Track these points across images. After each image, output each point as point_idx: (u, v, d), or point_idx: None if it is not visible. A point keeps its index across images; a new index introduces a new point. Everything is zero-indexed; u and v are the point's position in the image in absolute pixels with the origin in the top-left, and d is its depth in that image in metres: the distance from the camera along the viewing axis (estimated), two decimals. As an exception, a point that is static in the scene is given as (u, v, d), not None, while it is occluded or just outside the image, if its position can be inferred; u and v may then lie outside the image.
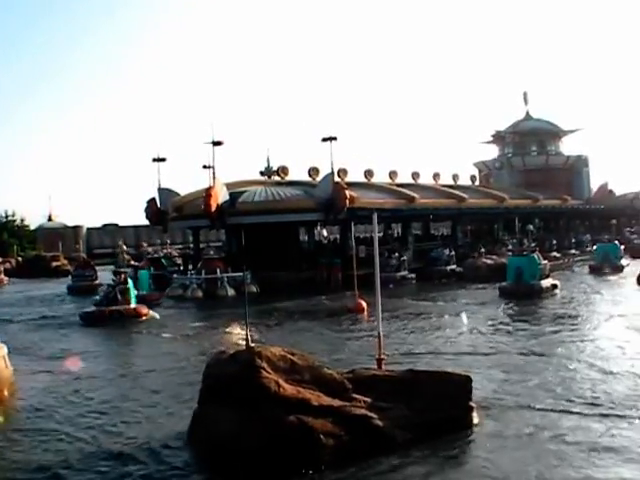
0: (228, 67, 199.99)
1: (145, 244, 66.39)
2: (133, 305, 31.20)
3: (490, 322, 26.56)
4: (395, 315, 28.45)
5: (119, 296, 30.84)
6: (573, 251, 63.83)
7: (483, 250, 48.06)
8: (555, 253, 54.91)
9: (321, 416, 11.00)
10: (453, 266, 47.37)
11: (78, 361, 20.64)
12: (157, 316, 31.19)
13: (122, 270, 32.82)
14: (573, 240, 67.19)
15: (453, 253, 48.66)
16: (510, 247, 44.95)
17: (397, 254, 44.97)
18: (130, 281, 32.29)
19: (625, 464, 10.70)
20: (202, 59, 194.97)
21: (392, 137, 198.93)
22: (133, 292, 31.87)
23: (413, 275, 45.03)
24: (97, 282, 44.28)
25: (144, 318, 30.50)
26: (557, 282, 36.65)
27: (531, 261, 35.27)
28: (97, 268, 49.61)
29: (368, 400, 11.81)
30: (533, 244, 39.35)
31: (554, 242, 59.81)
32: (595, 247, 52.31)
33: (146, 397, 16.31)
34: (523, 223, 49.87)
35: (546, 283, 35.23)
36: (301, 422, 10.82)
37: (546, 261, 37.46)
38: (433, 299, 34.78)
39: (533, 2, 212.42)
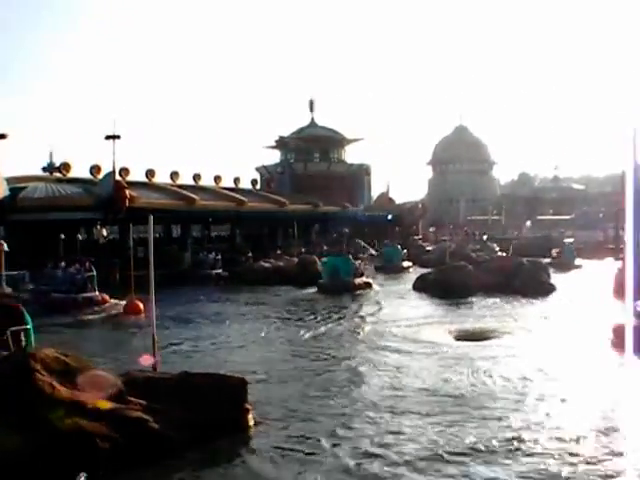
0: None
1: None
2: None
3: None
4: (183, 318, 28.65)
5: None
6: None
7: (251, 254, 48.92)
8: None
9: (96, 419, 10.86)
10: (219, 270, 47.60)
11: None
12: None
13: None
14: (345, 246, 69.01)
15: (219, 257, 48.90)
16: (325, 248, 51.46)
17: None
18: None
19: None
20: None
21: (175, 138, 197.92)
22: None
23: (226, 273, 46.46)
24: None
25: None
26: (370, 280, 41.57)
27: (346, 261, 40.61)
28: None
29: (143, 402, 11.78)
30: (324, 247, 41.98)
31: (324, 247, 60.70)
32: (383, 249, 58.30)
33: None
34: (304, 228, 51.02)
35: (359, 280, 40.01)
36: (76, 425, 10.62)
37: (359, 261, 43.35)
38: (226, 301, 35.29)
39: (322, 14, 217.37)
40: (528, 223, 79.88)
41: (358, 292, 38.28)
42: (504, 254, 54.73)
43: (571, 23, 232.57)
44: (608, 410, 13.80)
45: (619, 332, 19.72)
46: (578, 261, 56.97)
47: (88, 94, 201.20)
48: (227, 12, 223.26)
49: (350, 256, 42.24)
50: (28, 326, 15.42)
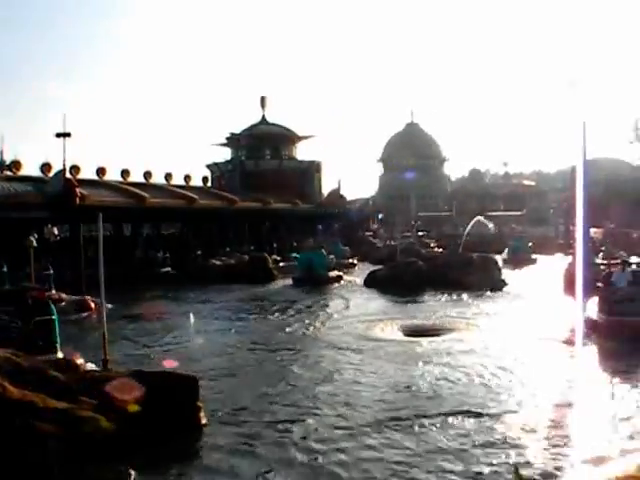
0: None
1: None
2: None
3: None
4: (134, 316, 28.61)
5: None
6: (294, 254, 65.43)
7: (200, 252, 48.76)
8: (276, 255, 55.66)
9: (48, 419, 10.79)
10: (167, 268, 47.28)
11: None
12: None
13: None
14: (295, 244, 69.02)
15: (168, 255, 48.66)
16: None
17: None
18: None
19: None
20: None
21: (126, 135, 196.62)
22: None
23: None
24: None
25: None
26: (341, 273, 45.15)
27: (320, 255, 43.89)
28: None
29: (95, 402, 11.71)
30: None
31: (274, 245, 60.49)
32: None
33: None
34: (254, 225, 50.90)
35: (332, 274, 43.65)
36: (28, 426, 10.57)
37: (332, 256, 46.84)
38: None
39: (272, 10, 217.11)
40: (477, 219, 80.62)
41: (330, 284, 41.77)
42: (440, 250, 55.57)
43: (521, 20, 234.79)
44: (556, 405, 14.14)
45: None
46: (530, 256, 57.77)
47: (39, 90, 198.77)
48: (178, 7, 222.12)
49: (323, 251, 44.99)
50: (53, 316, 15.86)
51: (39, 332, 14.98)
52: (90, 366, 14.95)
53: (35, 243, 31.13)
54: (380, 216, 76.86)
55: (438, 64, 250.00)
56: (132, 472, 10.26)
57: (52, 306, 15.96)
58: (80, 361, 14.78)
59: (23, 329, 15.01)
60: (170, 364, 16.88)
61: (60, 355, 15.05)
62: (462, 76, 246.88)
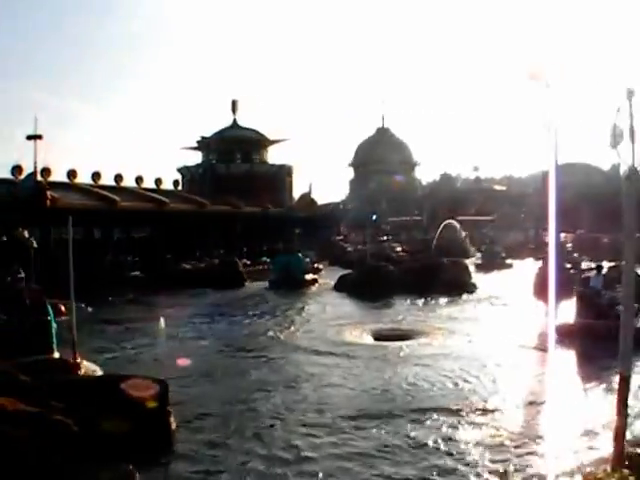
0: None
1: None
2: None
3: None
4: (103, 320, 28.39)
5: None
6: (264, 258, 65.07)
7: (170, 256, 48.54)
8: (246, 259, 55.39)
9: (18, 423, 10.66)
10: (137, 272, 46.91)
11: None
12: None
13: None
14: (265, 248, 68.82)
15: (137, 259, 48.43)
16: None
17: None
18: None
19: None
20: None
21: (97, 137, 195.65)
22: None
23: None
24: None
25: None
26: (317, 276, 46.25)
27: (297, 259, 45.10)
28: None
29: (64, 405, 11.60)
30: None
31: (244, 249, 60.09)
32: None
33: None
34: (225, 229, 50.75)
35: (309, 277, 44.72)
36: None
37: (308, 259, 47.77)
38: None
39: (242, 14, 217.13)
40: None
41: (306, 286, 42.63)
42: (411, 254, 55.78)
43: (493, 25, 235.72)
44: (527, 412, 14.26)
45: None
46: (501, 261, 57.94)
47: (8, 89, 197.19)
48: (148, 8, 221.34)
49: (301, 255, 46.39)
50: (49, 317, 15.98)
51: (36, 332, 14.95)
52: (88, 366, 14.90)
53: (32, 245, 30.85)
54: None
55: (410, 68, 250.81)
56: (136, 473, 10.19)
57: (49, 307, 15.93)
58: (78, 360, 14.72)
59: (20, 329, 14.97)
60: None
61: (57, 355, 15.04)
62: (434, 81, 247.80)
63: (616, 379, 8.50)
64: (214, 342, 24.01)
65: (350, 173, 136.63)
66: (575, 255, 45.61)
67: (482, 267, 52.55)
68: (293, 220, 72.96)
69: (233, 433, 13.15)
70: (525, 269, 46.23)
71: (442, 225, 66.01)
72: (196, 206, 60.21)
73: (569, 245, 51.75)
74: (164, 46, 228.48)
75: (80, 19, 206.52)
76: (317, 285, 43.91)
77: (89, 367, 14.58)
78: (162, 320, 28.03)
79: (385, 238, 74.26)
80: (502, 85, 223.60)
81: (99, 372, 14.47)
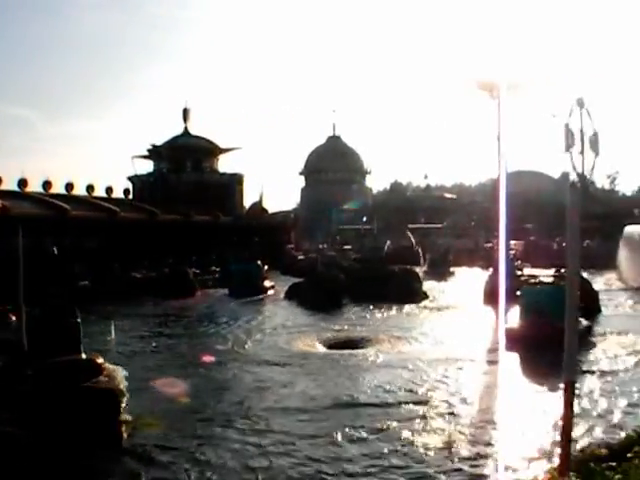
0: None
1: None
2: None
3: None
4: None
5: None
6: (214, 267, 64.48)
7: (118, 265, 48.22)
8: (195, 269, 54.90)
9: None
10: (85, 282, 46.34)
11: None
12: None
13: None
14: (214, 257, 68.45)
15: (85, 269, 47.97)
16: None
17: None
18: None
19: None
20: None
21: (48, 145, 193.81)
22: None
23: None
24: None
25: None
26: (273, 283, 46.86)
27: (257, 267, 46.28)
28: None
29: (9, 415, 11.53)
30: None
31: (194, 258, 59.47)
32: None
33: None
34: (175, 238, 50.50)
35: (267, 284, 45.84)
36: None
37: (266, 266, 48.77)
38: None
39: (193, 21, 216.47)
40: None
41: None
42: (361, 262, 55.90)
43: (444, 34, 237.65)
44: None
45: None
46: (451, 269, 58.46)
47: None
48: (103, 15, 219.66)
49: (259, 263, 47.15)
50: (78, 320, 15.68)
51: (65, 334, 14.85)
52: (110, 367, 14.82)
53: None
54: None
55: (362, 77, 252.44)
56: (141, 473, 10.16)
57: (76, 310, 15.84)
58: (100, 361, 14.64)
59: (51, 331, 14.89)
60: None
61: (83, 356, 14.94)
62: (385, 89, 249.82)
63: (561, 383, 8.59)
64: (165, 350, 23.95)
65: (301, 181, 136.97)
66: (518, 262, 46.08)
67: (433, 275, 52.89)
68: (243, 229, 72.80)
69: (186, 442, 13.11)
70: (475, 276, 46.67)
71: (393, 233, 66.45)
72: (147, 215, 59.82)
73: (512, 252, 52.36)
74: (114, 50, 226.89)
75: (17, 16, 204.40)
76: (273, 292, 44.44)
77: (109, 368, 14.52)
78: (112, 330, 27.84)
79: (342, 247, 74.46)
80: (453, 94, 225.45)
81: (120, 372, 14.41)
